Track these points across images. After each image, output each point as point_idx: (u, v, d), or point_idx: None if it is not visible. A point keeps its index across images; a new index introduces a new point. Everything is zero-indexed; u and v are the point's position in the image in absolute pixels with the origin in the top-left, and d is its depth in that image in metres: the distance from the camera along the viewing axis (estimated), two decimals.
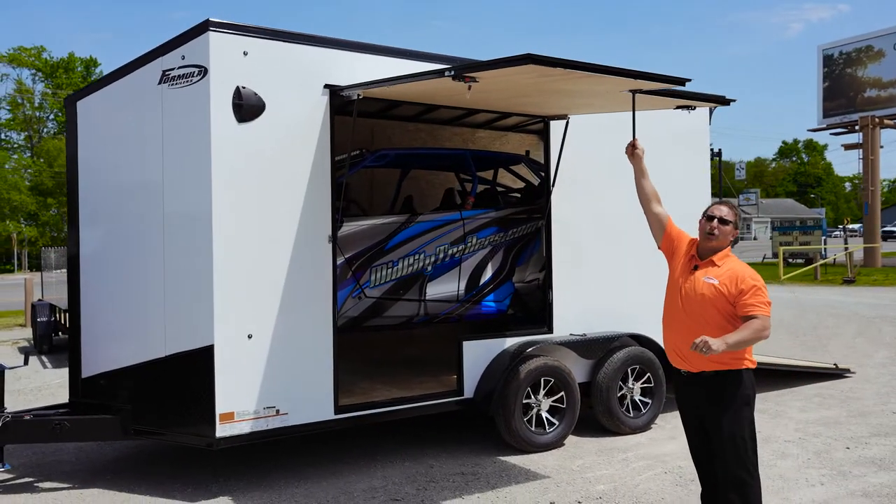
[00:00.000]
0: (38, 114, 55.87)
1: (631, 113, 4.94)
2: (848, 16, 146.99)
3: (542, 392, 6.29)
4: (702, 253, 4.16)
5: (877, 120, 30.91)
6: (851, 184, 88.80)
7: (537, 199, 7.20)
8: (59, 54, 66.65)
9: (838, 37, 35.47)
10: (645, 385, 6.92)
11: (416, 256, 6.51)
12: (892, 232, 42.15)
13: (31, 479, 5.76)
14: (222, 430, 5.08)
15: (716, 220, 4.12)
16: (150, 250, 5.55)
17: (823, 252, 29.87)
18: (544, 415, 6.31)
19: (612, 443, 6.48)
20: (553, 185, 6.59)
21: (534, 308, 7.11)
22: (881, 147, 31.64)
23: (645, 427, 6.83)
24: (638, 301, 6.80)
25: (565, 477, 5.59)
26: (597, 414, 6.72)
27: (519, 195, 7.78)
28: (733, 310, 3.97)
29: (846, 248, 26.89)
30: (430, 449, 6.35)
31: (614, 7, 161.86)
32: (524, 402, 6.17)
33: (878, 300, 17.68)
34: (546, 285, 6.70)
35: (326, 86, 5.53)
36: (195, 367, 5.16)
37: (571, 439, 6.50)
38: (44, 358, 11.82)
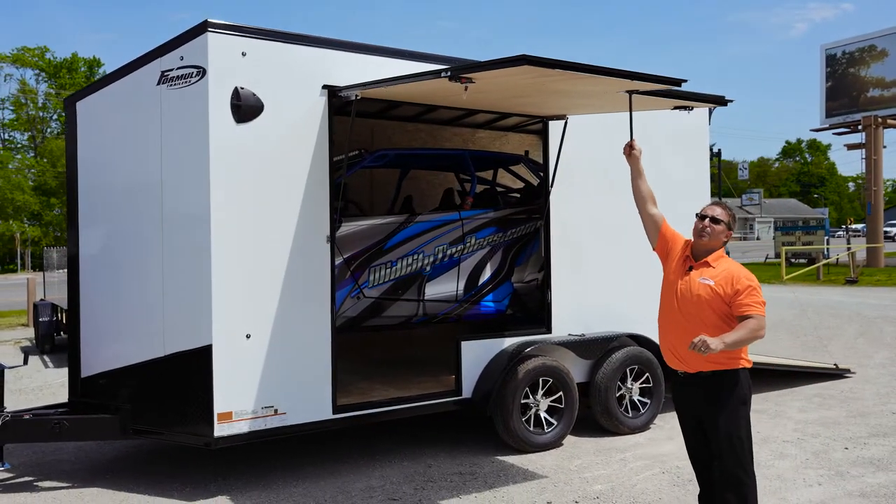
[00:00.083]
0: (41, 114, 56.03)
1: (627, 113, 4.95)
2: (852, 15, 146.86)
3: (540, 392, 6.29)
4: (696, 253, 4.18)
5: (880, 120, 30.84)
6: (855, 184, 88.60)
7: (536, 199, 7.21)
8: (62, 54, 66.84)
9: (842, 36, 35.36)
10: (643, 385, 6.92)
11: (415, 256, 6.53)
12: (887, 232, 42.01)
13: (30, 479, 5.79)
14: (220, 430, 5.09)
15: (707, 219, 4.14)
16: (148, 250, 5.57)
17: (826, 252, 29.82)
18: (542, 415, 6.31)
19: (611, 443, 6.49)
20: (552, 186, 6.60)
21: (532, 308, 7.12)
22: (884, 147, 31.58)
23: (643, 427, 6.84)
24: (637, 301, 6.80)
25: (563, 477, 5.60)
26: (595, 414, 6.73)
27: (518, 195, 7.79)
28: (729, 310, 3.99)
29: (849, 249, 26.85)
30: (428, 449, 6.36)
31: (617, 7, 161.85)
32: (522, 402, 6.18)
33: (881, 300, 17.65)
34: (545, 285, 6.71)
35: (325, 86, 5.55)
36: (193, 367, 5.18)
37: (570, 439, 6.51)
38: (45, 357, 11.86)
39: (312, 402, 5.46)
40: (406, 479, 5.61)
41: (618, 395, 6.74)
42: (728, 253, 4.39)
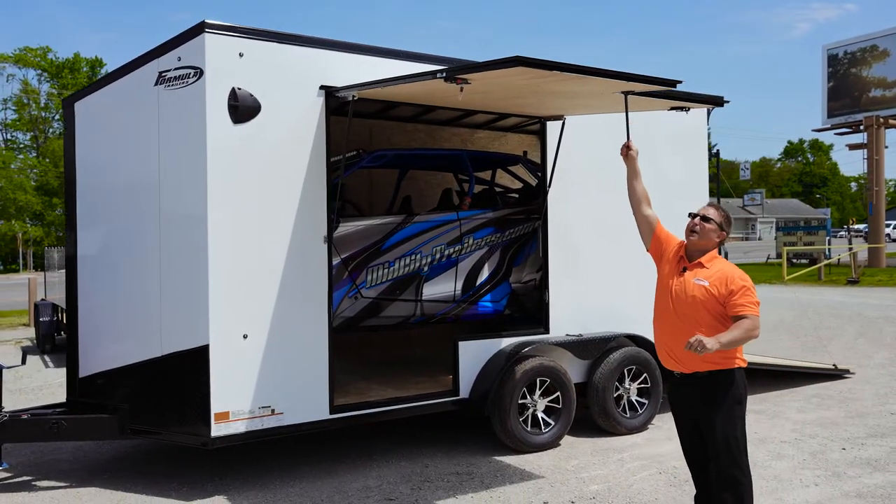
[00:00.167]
0: (43, 114, 56.13)
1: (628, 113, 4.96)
2: (855, 15, 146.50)
3: (537, 392, 6.30)
4: (690, 254, 4.19)
5: (881, 120, 30.80)
6: (857, 184, 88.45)
7: (535, 199, 7.22)
8: (64, 55, 66.95)
9: (845, 37, 35.31)
10: (641, 385, 6.92)
11: (413, 257, 6.53)
12: (861, 231, 41.87)
13: (29, 478, 5.80)
14: (217, 430, 5.10)
15: (698, 218, 4.16)
16: (146, 250, 5.58)
17: (828, 252, 29.78)
18: (540, 415, 6.32)
19: (608, 443, 6.50)
20: (549, 186, 6.61)
21: (530, 308, 7.13)
22: (886, 147, 31.53)
23: (641, 427, 6.84)
24: (635, 301, 6.79)
25: (559, 477, 5.61)
26: (593, 414, 6.73)
27: (517, 196, 7.80)
28: (723, 310, 4.01)
29: (850, 249, 26.82)
30: (425, 449, 6.37)
31: (617, 7, 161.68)
32: (520, 402, 6.18)
33: (882, 301, 17.62)
34: (542, 285, 6.72)
35: (322, 87, 5.56)
36: (191, 367, 5.19)
37: (567, 439, 6.52)
38: (46, 357, 11.89)
39: (309, 402, 5.47)
40: (403, 478, 5.62)
41: (615, 395, 6.75)
42: (726, 254, 4.41)
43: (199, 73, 5.14)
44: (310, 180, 5.50)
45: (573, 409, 6.46)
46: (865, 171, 32.13)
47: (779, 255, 28.65)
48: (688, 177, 7.56)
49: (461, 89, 4.53)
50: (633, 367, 6.85)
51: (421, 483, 5.51)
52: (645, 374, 6.91)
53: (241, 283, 5.23)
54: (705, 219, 4.16)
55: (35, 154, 54.58)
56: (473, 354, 6.19)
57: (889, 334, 12.50)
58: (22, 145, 56.93)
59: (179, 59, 5.26)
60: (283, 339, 5.36)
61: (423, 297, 6.63)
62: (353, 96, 5.42)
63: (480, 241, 6.90)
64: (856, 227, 39.53)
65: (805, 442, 6.45)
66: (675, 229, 4.39)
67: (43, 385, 9.56)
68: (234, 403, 5.18)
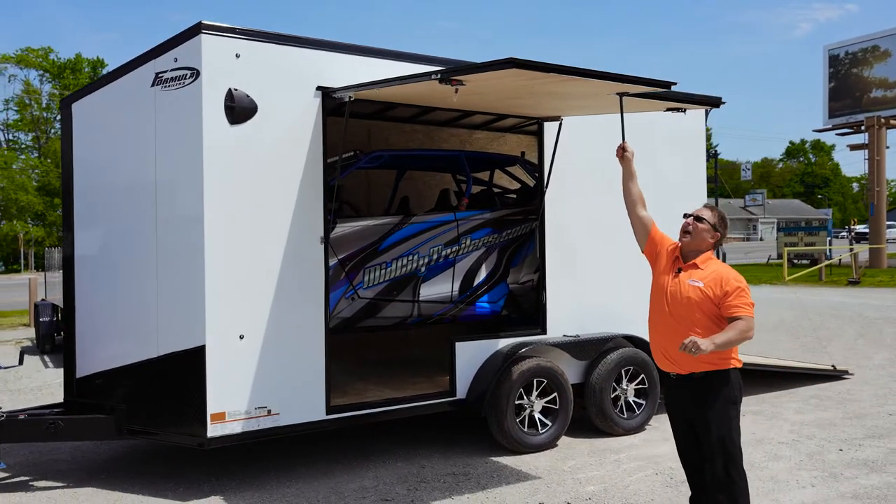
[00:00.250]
0: (45, 114, 56.20)
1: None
2: (856, 16, 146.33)
3: (534, 393, 6.30)
4: (685, 255, 4.20)
5: (883, 120, 30.81)
6: (859, 184, 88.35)
7: (532, 200, 7.22)
8: (66, 55, 67.06)
9: (847, 37, 35.30)
10: (639, 386, 6.92)
11: (410, 257, 6.54)
12: (865, 234, 41.75)
13: (26, 478, 5.81)
14: (213, 430, 5.11)
15: (691, 218, 4.17)
16: (143, 251, 5.59)
17: (829, 253, 29.76)
18: (537, 416, 6.32)
19: (606, 444, 6.49)
20: (547, 187, 6.61)
21: (528, 309, 7.13)
22: (887, 147, 31.54)
23: (639, 428, 6.84)
24: (632, 302, 6.78)
25: (556, 478, 5.61)
26: (590, 415, 6.73)
27: (514, 196, 7.80)
28: (718, 311, 4.01)
29: (851, 249, 26.81)
30: (423, 449, 6.37)
31: (617, 7, 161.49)
32: (517, 403, 6.18)
33: (883, 301, 17.62)
34: (540, 286, 6.72)
35: (319, 88, 5.56)
36: (187, 368, 5.20)
37: (564, 440, 6.52)
38: (46, 357, 11.90)
39: (306, 403, 5.47)
40: (399, 479, 5.62)
41: (613, 396, 6.75)
42: (724, 255, 4.42)
43: (196, 73, 5.14)
44: (306, 181, 5.50)
45: (570, 409, 6.46)
46: (867, 171, 32.11)
47: (780, 256, 28.63)
48: (686, 178, 7.56)
49: (456, 91, 4.54)
50: (630, 368, 6.85)
51: (417, 484, 5.52)
52: (642, 375, 6.91)
53: (238, 283, 5.23)
54: (699, 219, 4.18)
55: (37, 154, 54.67)
56: (470, 355, 6.19)
57: (889, 335, 12.49)
58: (24, 146, 57.06)
59: (176, 59, 5.26)
60: (279, 339, 5.37)
61: (421, 298, 6.64)
62: (350, 97, 5.43)
63: (478, 242, 6.90)
64: (857, 228, 39.49)
65: (802, 443, 6.45)
66: (672, 230, 4.39)
67: (42, 385, 9.57)
68: (230, 404, 5.18)
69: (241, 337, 5.23)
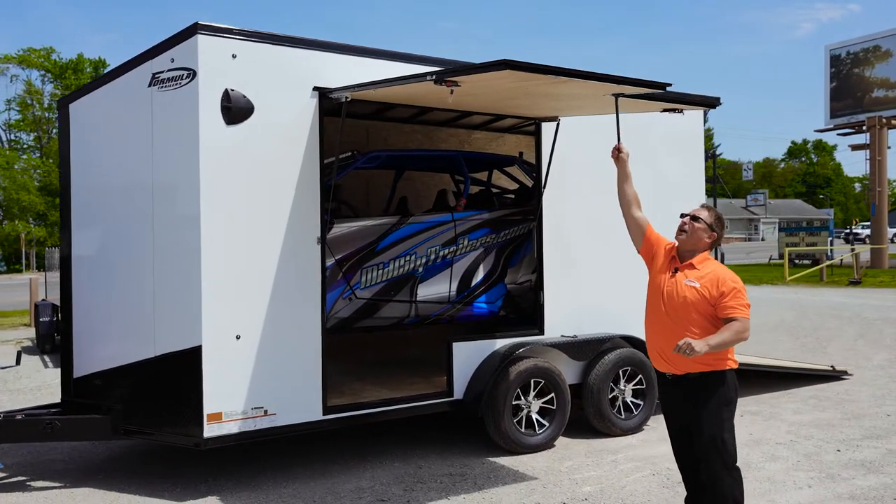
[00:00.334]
0: (47, 115, 56.22)
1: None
2: (859, 16, 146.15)
3: (532, 393, 6.29)
4: (681, 254, 4.20)
5: (884, 120, 30.78)
6: (861, 184, 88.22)
7: (530, 200, 7.22)
8: (68, 55, 67.12)
9: (849, 37, 35.26)
10: (637, 387, 6.92)
11: (407, 258, 6.54)
12: (857, 234, 41.66)
13: (23, 478, 5.82)
14: (210, 431, 5.11)
15: (688, 217, 4.17)
16: (140, 251, 5.59)
17: (830, 253, 29.73)
18: (534, 416, 6.31)
19: (603, 444, 6.49)
20: (544, 187, 6.60)
21: (526, 309, 7.13)
22: (889, 148, 31.52)
23: (636, 429, 6.83)
24: (630, 302, 6.76)
25: (552, 478, 5.61)
26: (588, 415, 6.72)
27: (513, 197, 7.80)
28: (714, 312, 4.01)
29: (853, 250, 26.78)
30: (420, 450, 6.37)
31: (618, 7, 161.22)
32: (514, 403, 6.18)
33: (883, 302, 17.59)
34: (537, 287, 6.71)
35: (315, 88, 5.56)
36: (183, 368, 5.20)
37: (562, 441, 6.51)
38: (46, 357, 11.90)
39: (302, 403, 5.47)
40: (396, 480, 5.62)
41: (610, 396, 6.74)
42: (722, 256, 4.42)
43: (192, 74, 5.15)
44: (303, 181, 5.50)
45: (568, 410, 6.46)
46: (868, 171, 32.07)
47: (781, 256, 28.61)
48: (684, 178, 7.55)
49: (451, 92, 4.54)
50: (628, 369, 6.84)
51: (414, 484, 5.52)
52: (640, 376, 6.90)
53: (234, 283, 5.24)
54: (695, 218, 4.17)
55: (38, 154, 54.73)
56: (467, 355, 6.19)
57: (889, 336, 12.47)
58: (26, 146, 57.13)
59: (172, 60, 5.27)
60: (276, 339, 5.37)
61: (418, 298, 6.64)
62: (347, 98, 5.43)
63: (475, 242, 6.90)
64: (857, 229, 39.39)
65: (800, 443, 6.44)
66: (670, 230, 4.38)
67: (42, 385, 9.58)
68: (226, 404, 5.18)
69: (238, 337, 5.23)
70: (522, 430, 6.23)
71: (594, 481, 5.54)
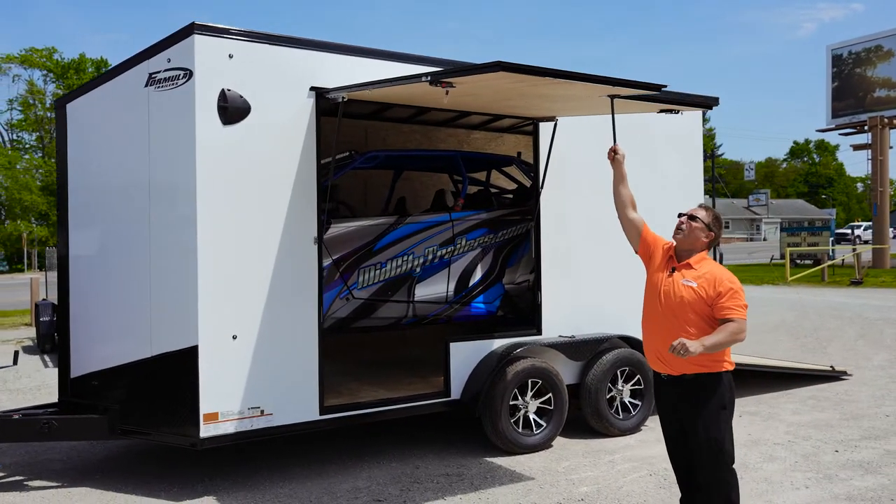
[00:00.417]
0: (49, 114, 56.26)
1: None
2: (861, 15, 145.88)
3: (529, 394, 6.29)
4: (678, 254, 4.19)
5: (886, 120, 30.73)
6: (863, 184, 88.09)
7: (528, 200, 7.21)
8: (70, 55, 67.13)
9: (851, 36, 35.20)
10: (634, 387, 6.91)
11: (405, 258, 6.53)
12: (846, 234, 41.47)
13: (20, 478, 5.82)
14: (206, 431, 5.11)
15: (685, 217, 4.16)
16: (136, 251, 5.59)
17: (831, 253, 29.68)
18: (532, 416, 6.31)
19: (601, 444, 6.48)
20: (542, 187, 6.60)
21: (524, 310, 7.12)
22: (890, 148, 31.47)
23: (634, 429, 6.83)
24: (628, 303, 6.72)
25: (549, 478, 5.60)
26: (586, 416, 6.72)
27: (511, 197, 7.79)
28: (711, 312, 3.99)
29: (854, 250, 26.73)
30: (417, 450, 6.37)
31: (618, 7, 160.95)
32: (511, 403, 6.17)
33: (884, 302, 17.56)
34: (535, 287, 6.71)
35: (312, 88, 5.56)
36: (180, 368, 5.20)
37: (559, 441, 6.51)
38: (46, 357, 11.92)
39: (299, 403, 5.47)
40: (393, 480, 5.62)
41: (608, 396, 6.73)
42: (720, 256, 4.41)
43: (189, 74, 5.15)
44: (300, 181, 5.50)
45: (565, 410, 6.45)
46: (870, 171, 32.03)
47: (782, 256, 28.57)
48: (683, 177, 7.54)
49: (446, 93, 4.53)
50: (626, 369, 6.84)
51: (410, 484, 5.51)
52: (638, 376, 6.89)
53: (231, 283, 5.24)
54: (692, 218, 4.16)
55: (41, 154, 54.76)
56: (465, 355, 6.18)
57: (889, 336, 12.45)
58: (28, 145, 57.17)
59: (169, 60, 5.27)
60: (272, 339, 5.37)
61: (416, 299, 6.63)
62: (343, 98, 5.43)
63: (473, 243, 6.90)
64: (857, 230, 39.29)
65: (798, 444, 6.43)
66: (669, 230, 4.37)
67: (41, 384, 9.59)
68: (223, 404, 5.18)
69: (235, 337, 5.23)
70: (520, 430, 6.23)
71: (591, 482, 5.54)
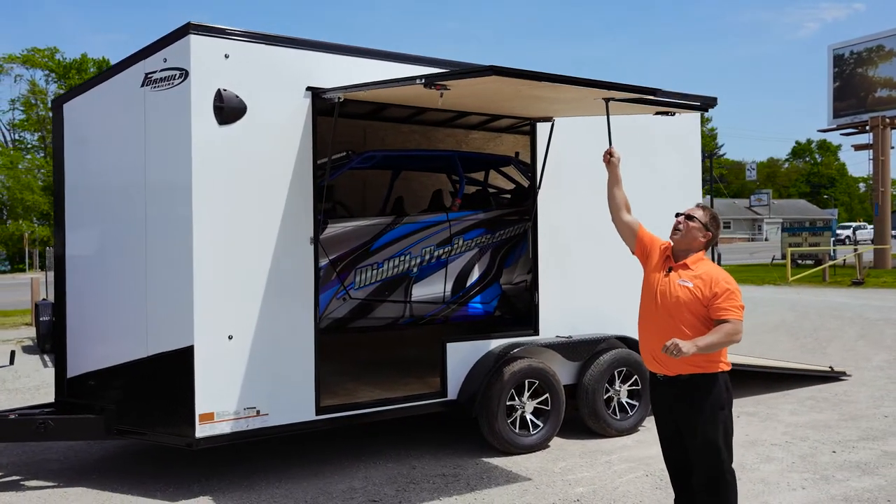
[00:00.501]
0: (50, 114, 56.32)
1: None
2: (863, 15, 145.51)
3: (526, 394, 6.28)
4: (676, 254, 4.18)
5: (887, 120, 30.66)
6: (865, 185, 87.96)
7: (526, 200, 7.20)
8: (71, 55, 67.17)
9: (853, 36, 35.11)
10: (632, 387, 6.90)
11: (402, 258, 6.53)
12: (839, 236, 41.27)
13: (17, 478, 5.83)
14: (202, 431, 5.11)
15: (682, 217, 4.15)
16: (132, 251, 5.59)
17: (833, 253, 29.64)
18: (528, 417, 6.30)
19: (598, 445, 6.48)
20: (539, 187, 6.59)
21: (521, 310, 7.11)
22: (892, 148, 31.38)
23: (631, 429, 6.82)
24: (625, 303, 6.72)
25: (545, 479, 5.60)
26: (583, 416, 6.71)
27: (508, 197, 7.79)
28: (707, 312, 3.98)
29: (855, 250, 26.69)
30: (414, 450, 6.36)
31: (618, 7, 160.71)
32: (508, 403, 6.17)
33: (885, 302, 17.51)
34: (532, 287, 6.70)
35: (309, 88, 5.55)
36: (176, 368, 5.20)
37: (556, 441, 6.50)
38: (45, 357, 11.92)
39: (295, 404, 5.47)
40: (389, 480, 5.61)
41: (605, 397, 6.72)
42: (719, 257, 4.40)
43: (185, 74, 5.15)
44: (296, 181, 5.50)
45: (562, 411, 6.44)
46: (871, 171, 31.98)
47: (783, 256, 28.53)
48: (681, 177, 7.53)
49: (441, 95, 4.53)
50: (623, 369, 6.83)
51: (406, 485, 5.51)
52: (635, 376, 6.88)
53: (227, 283, 5.23)
54: (690, 217, 4.15)
55: (42, 154, 54.78)
56: (462, 356, 6.18)
57: (889, 336, 12.42)
58: (30, 145, 57.20)
59: (165, 60, 5.27)
60: (268, 339, 5.36)
61: (413, 299, 6.63)
62: (340, 98, 5.42)
63: (470, 243, 6.89)
64: (858, 228, 39.22)
65: (795, 445, 6.42)
66: (666, 230, 4.36)
67: (40, 384, 9.59)
68: (218, 404, 5.18)
69: (230, 337, 5.22)
70: (516, 430, 6.22)
71: (587, 482, 5.53)
